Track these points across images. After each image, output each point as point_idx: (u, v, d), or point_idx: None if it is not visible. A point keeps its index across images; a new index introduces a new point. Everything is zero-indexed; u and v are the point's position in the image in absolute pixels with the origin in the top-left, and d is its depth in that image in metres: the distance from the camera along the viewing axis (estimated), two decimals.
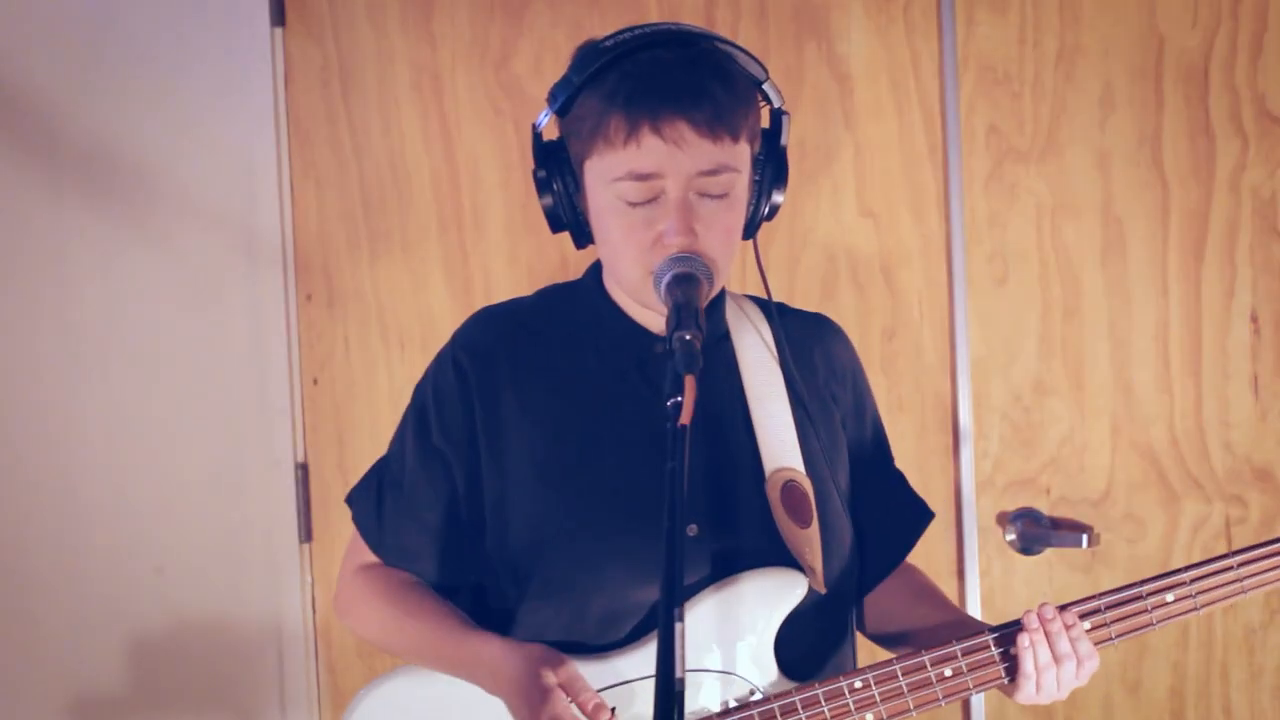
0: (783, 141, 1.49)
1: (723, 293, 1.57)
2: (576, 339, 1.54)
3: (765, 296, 1.57)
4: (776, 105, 1.47)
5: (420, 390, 1.57)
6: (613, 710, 1.34)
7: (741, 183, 1.44)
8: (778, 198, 1.49)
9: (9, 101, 2.27)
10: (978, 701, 2.24)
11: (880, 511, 1.62)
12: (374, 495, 1.58)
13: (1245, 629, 2.22)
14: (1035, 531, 2.20)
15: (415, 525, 1.55)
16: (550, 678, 1.35)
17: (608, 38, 1.42)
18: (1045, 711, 2.25)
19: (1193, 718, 2.23)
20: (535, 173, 1.48)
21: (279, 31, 2.30)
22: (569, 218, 1.49)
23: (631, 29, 1.42)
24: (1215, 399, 2.20)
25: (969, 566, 2.22)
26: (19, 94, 2.27)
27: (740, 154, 1.42)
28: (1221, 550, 2.19)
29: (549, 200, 1.48)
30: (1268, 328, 2.19)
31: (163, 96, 2.29)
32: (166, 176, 2.29)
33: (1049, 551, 2.22)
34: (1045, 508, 2.23)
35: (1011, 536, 2.22)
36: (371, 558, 1.59)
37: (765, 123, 1.49)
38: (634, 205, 1.40)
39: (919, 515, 1.67)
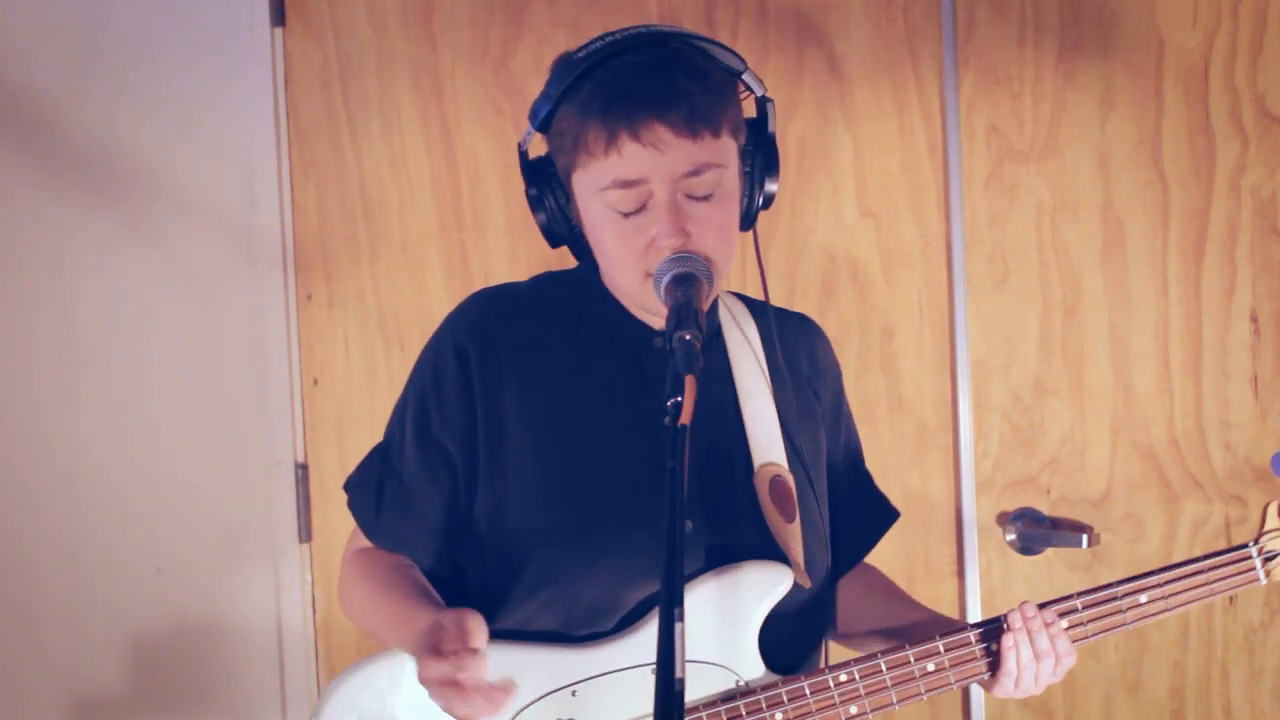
0: (770, 129, 1.48)
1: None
2: (575, 328, 1.54)
3: (763, 292, 1.57)
4: (760, 93, 1.47)
5: (419, 376, 1.55)
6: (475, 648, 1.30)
7: (729, 177, 1.43)
8: (771, 187, 1.48)
9: (9, 101, 2.27)
10: (977, 702, 2.24)
11: (848, 509, 1.64)
12: (373, 485, 1.57)
13: (1245, 629, 2.21)
14: (1035, 531, 2.20)
15: (414, 517, 1.54)
16: (445, 626, 1.32)
17: (580, 48, 1.42)
18: (1046, 711, 2.25)
19: (1193, 718, 2.23)
20: (527, 191, 1.49)
21: (279, 31, 2.30)
22: (565, 232, 1.50)
23: (603, 36, 1.42)
24: (1215, 399, 2.20)
25: (969, 566, 2.22)
26: (19, 94, 2.27)
27: (723, 149, 1.42)
28: None
29: (543, 217, 1.49)
30: (1268, 328, 2.19)
31: (163, 96, 2.29)
32: (166, 176, 2.29)
33: (1049, 551, 2.22)
34: (1045, 508, 2.23)
35: (1011, 536, 2.22)
36: (369, 543, 1.60)
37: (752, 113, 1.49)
38: (625, 215, 1.40)
39: (884, 514, 1.71)
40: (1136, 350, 2.21)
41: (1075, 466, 2.22)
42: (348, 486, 1.61)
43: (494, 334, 1.52)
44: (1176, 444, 2.21)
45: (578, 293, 1.56)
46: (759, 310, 1.59)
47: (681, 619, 1.11)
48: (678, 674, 1.09)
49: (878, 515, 1.70)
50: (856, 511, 1.66)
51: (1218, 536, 2.20)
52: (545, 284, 1.60)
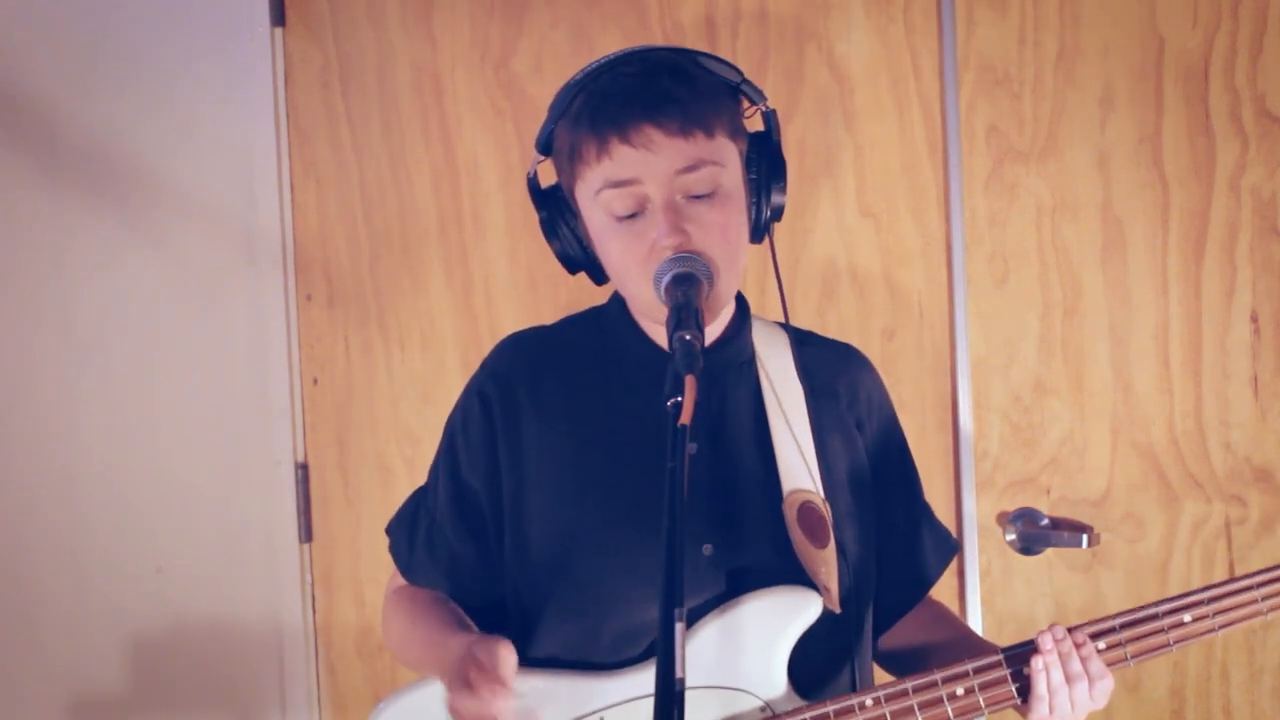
0: (775, 138, 1.48)
1: (749, 316, 1.58)
2: (599, 361, 1.55)
3: (782, 310, 1.58)
4: (760, 104, 1.47)
5: (451, 421, 1.60)
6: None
7: (729, 177, 1.43)
8: (778, 198, 1.48)
9: (9, 101, 2.27)
10: None
11: (904, 543, 1.62)
12: (408, 526, 1.63)
13: (1245, 629, 2.21)
14: (1035, 531, 2.20)
15: (446, 554, 1.58)
16: (479, 658, 1.35)
17: (578, 73, 1.44)
18: None
19: (1193, 718, 2.23)
20: (539, 218, 1.50)
21: (279, 31, 2.30)
22: (579, 254, 1.50)
23: (599, 60, 1.44)
24: (1215, 399, 2.20)
25: (969, 567, 2.22)
26: (19, 94, 2.27)
27: (719, 148, 1.42)
28: (1221, 551, 2.20)
29: (557, 244, 1.51)
30: (1268, 328, 2.19)
31: (163, 96, 2.29)
32: (166, 176, 2.29)
33: (1049, 551, 2.22)
34: (1045, 508, 2.23)
35: (1011, 536, 2.22)
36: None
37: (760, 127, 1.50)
38: (622, 220, 1.41)
39: (944, 548, 1.67)
40: (1136, 350, 2.21)
41: (1075, 466, 2.22)
42: (388, 529, 1.67)
43: (515, 377, 1.55)
44: (1176, 444, 2.21)
45: (603, 326, 1.58)
46: (796, 339, 1.59)
47: (682, 619, 1.11)
48: (678, 674, 1.09)
49: (936, 549, 1.66)
50: (913, 546, 1.63)
51: (1218, 536, 2.20)
52: (571, 323, 1.63)
